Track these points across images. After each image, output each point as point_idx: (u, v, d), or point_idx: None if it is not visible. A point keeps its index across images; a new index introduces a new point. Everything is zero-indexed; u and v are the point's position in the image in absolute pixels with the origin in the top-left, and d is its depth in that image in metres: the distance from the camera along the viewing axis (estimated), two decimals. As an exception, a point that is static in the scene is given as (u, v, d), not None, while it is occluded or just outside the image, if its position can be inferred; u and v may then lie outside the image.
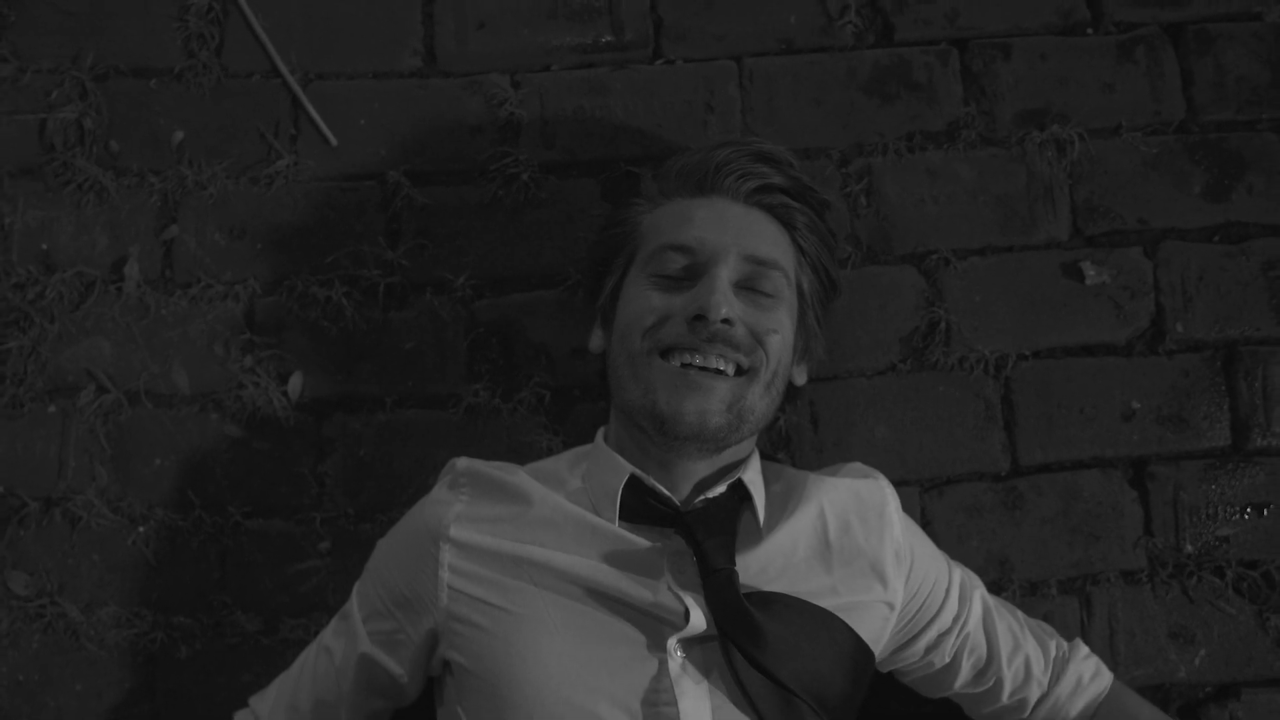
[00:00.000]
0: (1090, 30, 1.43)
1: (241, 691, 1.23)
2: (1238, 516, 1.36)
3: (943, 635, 1.15)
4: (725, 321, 1.04)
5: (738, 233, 1.09)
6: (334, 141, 1.41)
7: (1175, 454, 1.36)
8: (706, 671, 1.02)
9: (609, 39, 1.43)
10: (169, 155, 1.41)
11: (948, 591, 1.16)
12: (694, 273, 1.08)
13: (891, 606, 1.11)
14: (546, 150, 1.41)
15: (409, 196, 1.40)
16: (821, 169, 1.39)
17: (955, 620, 1.15)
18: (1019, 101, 1.42)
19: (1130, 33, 1.43)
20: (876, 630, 1.10)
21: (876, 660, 1.13)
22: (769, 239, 1.11)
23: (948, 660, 1.16)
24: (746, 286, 1.08)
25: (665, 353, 1.06)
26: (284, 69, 1.41)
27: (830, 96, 1.42)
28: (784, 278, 1.10)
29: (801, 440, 1.35)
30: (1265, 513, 1.35)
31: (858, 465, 1.19)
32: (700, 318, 1.04)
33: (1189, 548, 1.35)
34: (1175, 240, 1.40)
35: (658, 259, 1.10)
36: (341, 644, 1.15)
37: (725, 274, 1.06)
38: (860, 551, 1.10)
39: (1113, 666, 1.31)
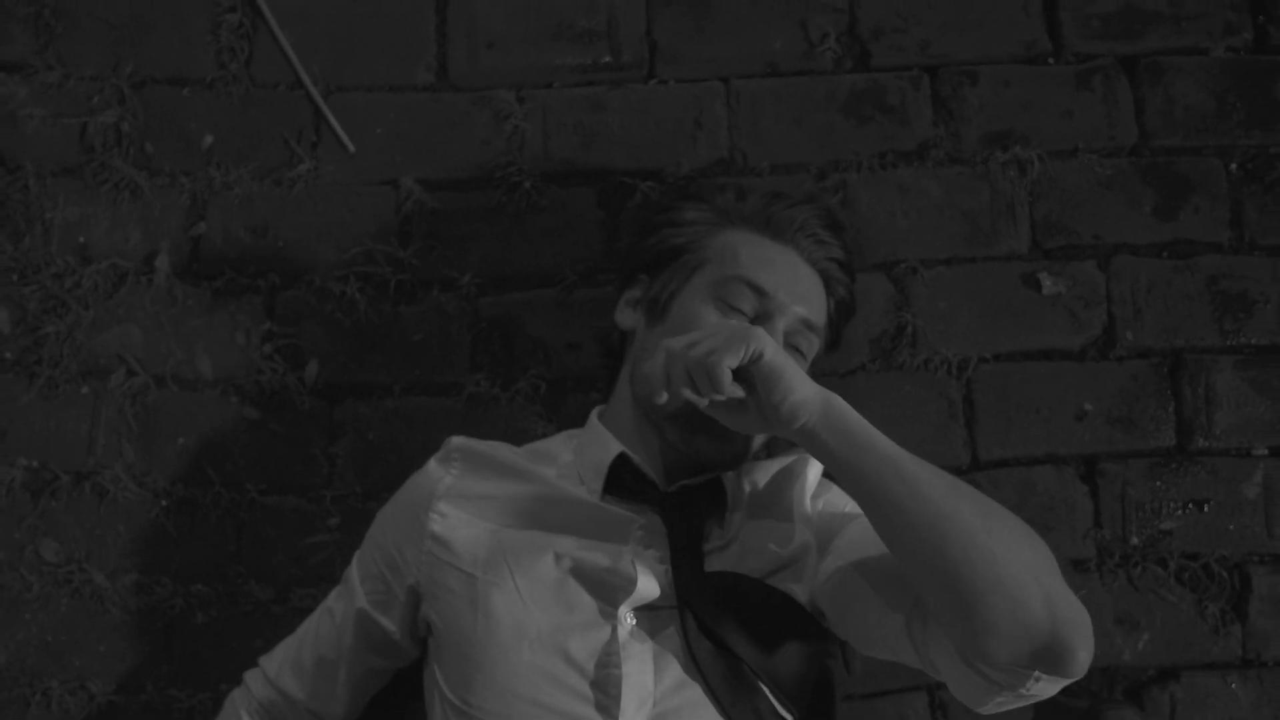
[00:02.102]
0: (1051, 60, 1.47)
1: (253, 656, 1.26)
2: (1180, 512, 1.39)
3: (840, 556, 1.11)
4: None
5: (802, 295, 1.13)
6: (352, 149, 1.44)
7: (1124, 453, 1.39)
8: (656, 638, 1.05)
9: (608, 60, 1.47)
10: (199, 158, 1.44)
11: (845, 522, 1.13)
12: (757, 314, 1.11)
13: (808, 545, 1.12)
14: (547, 161, 1.45)
15: (420, 201, 1.43)
16: (800, 183, 1.42)
17: (851, 544, 1.11)
18: (984, 124, 1.46)
19: (1088, 63, 1.46)
20: (809, 575, 1.11)
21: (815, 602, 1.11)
22: (819, 305, 1.15)
23: (847, 575, 1.09)
24: (790, 344, 1.12)
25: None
26: (307, 81, 1.45)
27: (810, 116, 1.45)
28: (818, 340, 1.16)
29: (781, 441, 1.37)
30: (1206, 508, 1.38)
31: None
32: None
33: (1135, 540, 1.38)
34: (1127, 255, 1.43)
35: (730, 287, 1.12)
36: (342, 605, 1.20)
37: (782, 326, 1.11)
38: (783, 504, 1.14)
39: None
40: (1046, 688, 0.89)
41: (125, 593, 1.36)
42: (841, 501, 1.15)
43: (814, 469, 1.17)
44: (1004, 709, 0.94)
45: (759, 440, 1.14)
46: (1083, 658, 0.87)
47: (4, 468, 1.37)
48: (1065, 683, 0.89)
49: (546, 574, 1.08)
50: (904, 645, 1.01)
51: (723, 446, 1.09)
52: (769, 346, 0.93)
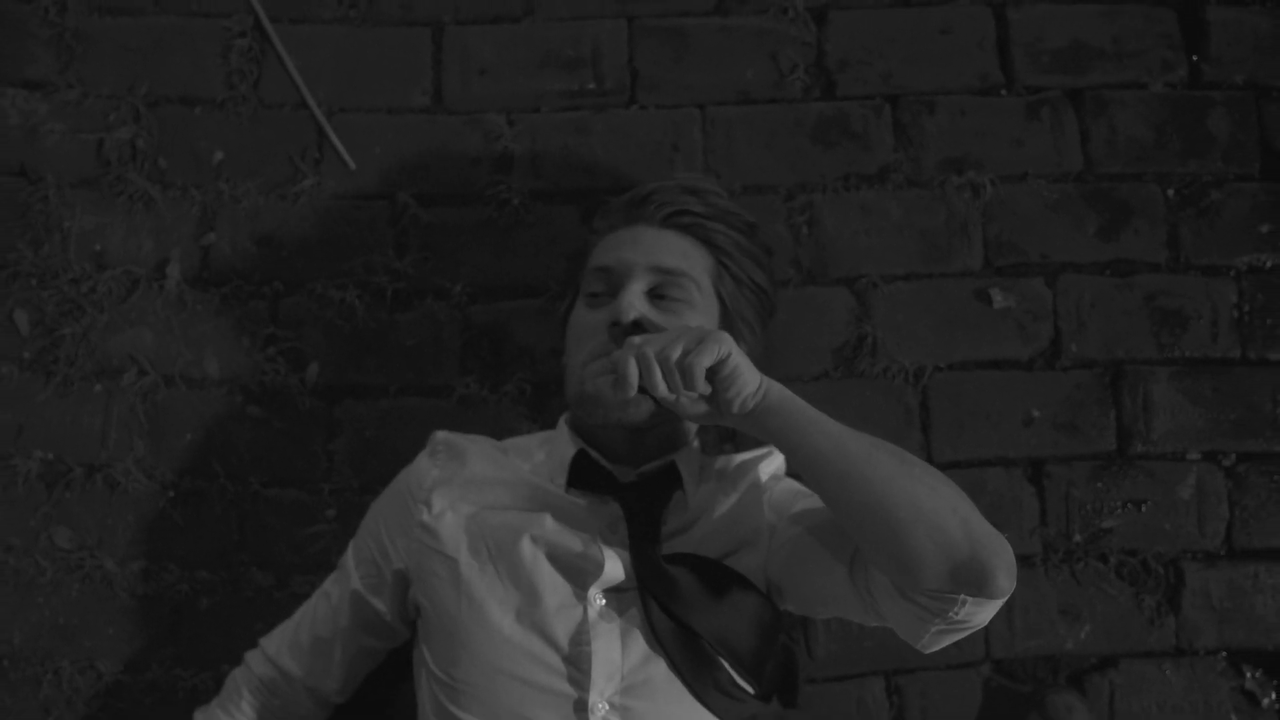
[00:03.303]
0: (1004, 92, 1.50)
1: (254, 638, 1.28)
2: (1120, 511, 1.42)
3: (785, 528, 1.15)
4: (635, 324, 1.10)
5: (647, 250, 1.15)
6: (352, 166, 1.47)
7: (1068, 456, 1.43)
8: (623, 617, 1.09)
9: (592, 86, 1.49)
10: (209, 173, 1.46)
11: (796, 496, 1.18)
12: (613, 288, 1.15)
13: (765, 530, 1.16)
14: (535, 180, 1.47)
15: (415, 215, 1.46)
16: (770, 203, 1.45)
17: (796, 516, 1.15)
18: (941, 150, 1.48)
19: (1038, 95, 1.49)
20: (762, 552, 1.14)
21: (769, 576, 1.14)
22: (677, 252, 1.15)
23: (793, 541, 1.14)
24: (658, 294, 1.14)
25: (595, 359, 1.11)
26: (312, 102, 1.47)
27: (779, 141, 1.48)
28: (694, 285, 1.14)
29: (745, 435, 1.29)
30: (1143, 508, 1.42)
31: (772, 446, 1.21)
32: (616, 323, 1.11)
33: (1078, 537, 1.42)
34: (1072, 273, 1.46)
35: (589, 281, 1.18)
36: (338, 588, 1.24)
37: (636, 286, 1.13)
38: (745, 502, 1.17)
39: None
40: (974, 611, 0.94)
41: (133, 578, 1.39)
42: (796, 486, 1.20)
43: (775, 460, 1.22)
44: (942, 642, 0.99)
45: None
46: (1002, 580, 0.92)
47: (21, 460, 1.40)
48: (992, 605, 0.94)
49: (523, 558, 1.11)
50: (849, 594, 1.06)
51: (622, 416, 1.09)
52: (733, 347, 1.00)
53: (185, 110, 1.49)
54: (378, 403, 1.44)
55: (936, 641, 1.00)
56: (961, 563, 0.92)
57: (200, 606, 1.39)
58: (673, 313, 1.14)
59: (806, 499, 1.16)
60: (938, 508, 0.94)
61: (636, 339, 1.02)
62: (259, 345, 1.44)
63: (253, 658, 1.27)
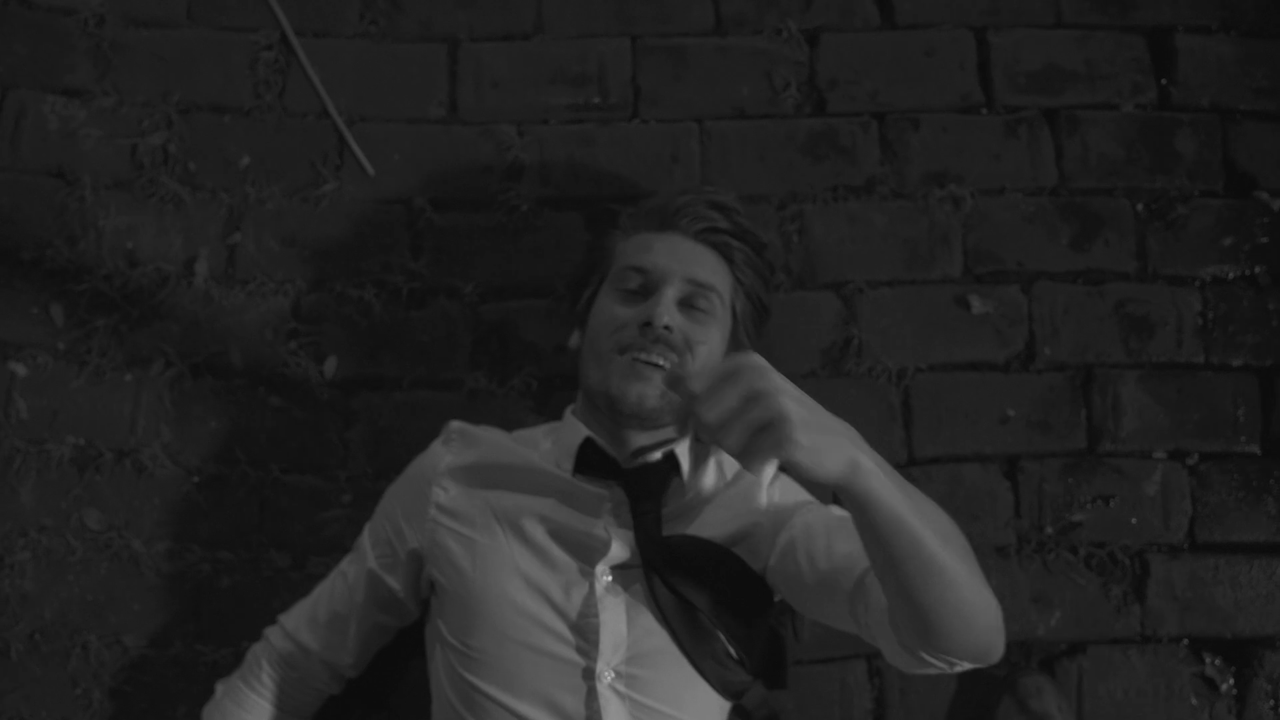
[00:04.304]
0: (983, 111, 1.54)
1: (272, 615, 1.32)
2: (1089, 505, 1.45)
3: (792, 540, 1.15)
4: (666, 328, 1.17)
5: (684, 261, 1.21)
6: (371, 172, 1.50)
7: (1041, 453, 1.46)
8: (629, 592, 1.14)
9: (597, 101, 1.53)
10: (236, 176, 1.50)
11: (797, 512, 1.18)
12: (647, 290, 1.20)
13: (761, 528, 1.18)
14: (543, 187, 1.51)
15: (430, 219, 1.50)
16: (762, 212, 1.49)
17: (805, 529, 1.15)
18: (924, 164, 1.52)
19: (1015, 114, 1.54)
20: (765, 551, 1.18)
21: (769, 583, 1.17)
22: (709, 268, 1.22)
23: (799, 558, 1.14)
24: (687, 304, 1.20)
25: (621, 350, 1.18)
26: (334, 112, 1.51)
27: (772, 154, 1.52)
28: (719, 299, 1.21)
29: None
30: (1111, 503, 1.45)
31: None
32: (648, 324, 1.17)
33: (1049, 529, 1.45)
34: (1046, 281, 1.50)
35: (622, 277, 1.22)
36: (354, 567, 1.28)
37: (671, 292, 1.19)
38: (743, 494, 1.21)
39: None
40: (970, 667, 0.96)
41: (159, 558, 1.42)
42: (794, 490, 1.25)
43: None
44: (927, 672, 0.99)
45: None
46: (1001, 653, 0.96)
47: (54, 444, 1.43)
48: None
49: (533, 536, 1.17)
50: (844, 616, 1.07)
51: (642, 389, 1.16)
52: (806, 438, 0.82)
53: (214, 117, 1.53)
54: (392, 395, 1.47)
55: (921, 671, 1.00)
56: (981, 650, 0.94)
57: (221, 585, 1.42)
58: (699, 322, 1.20)
59: (806, 510, 1.17)
60: (979, 613, 0.92)
61: (697, 389, 0.83)
62: (281, 339, 1.48)
63: (272, 633, 1.31)
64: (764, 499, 0.85)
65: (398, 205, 1.52)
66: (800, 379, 1.39)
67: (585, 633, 1.13)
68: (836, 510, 1.18)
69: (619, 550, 1.16)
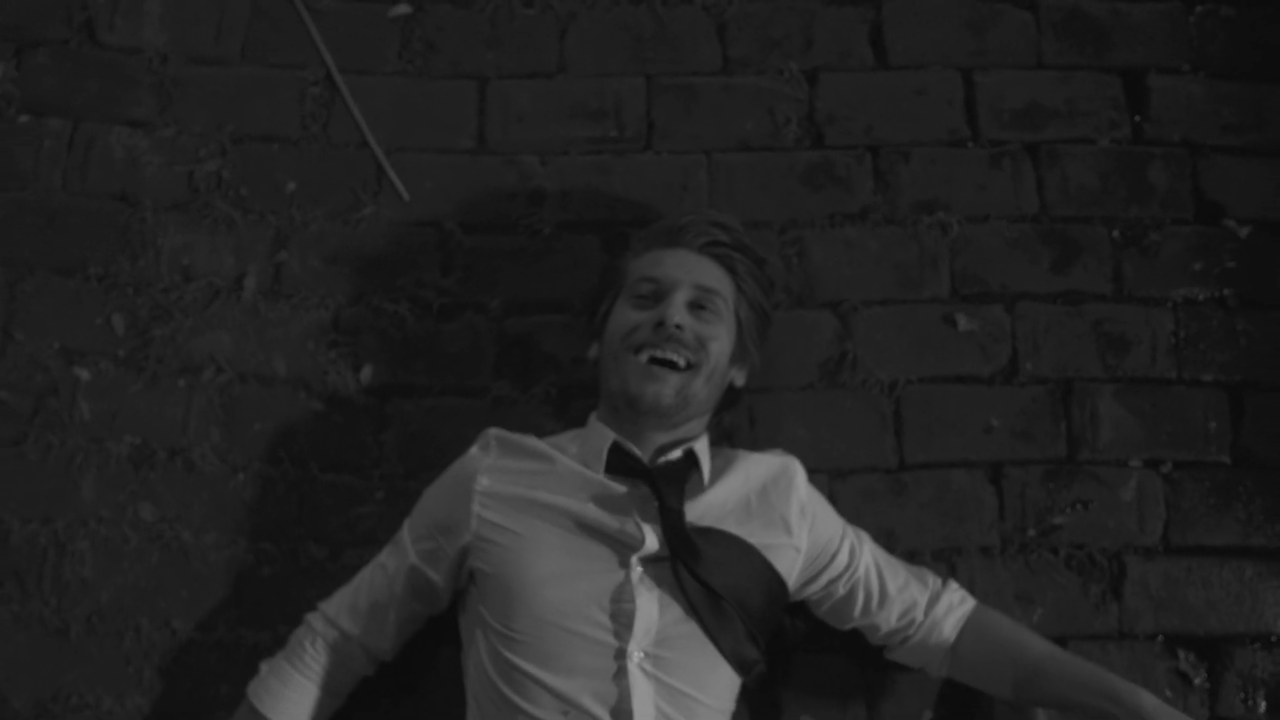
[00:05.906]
0: (970, 144, 1.59)
1: (309, 603, 1.36)
2: (1069, 510, 1.48)
3: (837, 577, 1.32)
4: (678, 327, 1.25)
5: (691, 271, 1.30)
6: (407, 197, 1.56)
7: (1023, 460, 1.49)
8: (659, 581, 1.22)
9: (614, 134, 1.59)
10: (283, 200, 1.56)
11: (840, 544, 1.33)
12: (659, 295, 1.29)
13: (798, 550, 1.30)
14: (563, 213, 1.56)
15: (459, 240, 1.55)
16: (765, 237, 1.53)
17: (847, 568, 1.32)
18: (915, 194, 1.57)
19: (1000, 148, 1.59)
20: (788, 566, 1.29)
21: (790, 590, 1.30)
22: (714, 276, 1.32)
23: (844, 594, 1.33)
24: (696, 306, 1.29)
25: (637, 350, 1.26)
26: (373, 142, 1.57)
27: (774, 184, 1.57)
28: (724, 303, 1.30)
29: (741, 435, 1.49)
30: (1090, 508, 1.48)
31: (778, 450, 1.37)
32: (661, 324, 1.25)
33: (1032, 531, 1.47)
34: (1028, 301, 1.54)
35: (636, 286, 1.31)
36: (394, 561, 1.33)
37: (681, 296, 1.28)
38: (772, 507, 1.29)
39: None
40: None
41: (206, 548, 1.46)
42: (825, 516, 1.34)
43: (800, 475, 1.33)
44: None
45: (698, 387, 1.28)
46: None
47: (113, 443, 1.49)
48: None
49: (571, 530, 1.24)
50: (856, 624, 1.35)
51: (658, 388, 1.27)
52: None
53: (264, 146, 1.59)
54: (423, 401, 1.51)
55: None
56: None
57: (263, 574, 1.46)
58: (707, 322, 1.30)
59: (858, 551, 1.36)
60: None
61: None
62: (322, 349, 1.52)
63: (314, 619, 1.36)
64: None
65: (430, 228, 1.57)
66: (799, 390, 1.53)
67: (619, 618, 1.21)
68: (875, 550, 1.37)
69: (651, 543, 1.23)
